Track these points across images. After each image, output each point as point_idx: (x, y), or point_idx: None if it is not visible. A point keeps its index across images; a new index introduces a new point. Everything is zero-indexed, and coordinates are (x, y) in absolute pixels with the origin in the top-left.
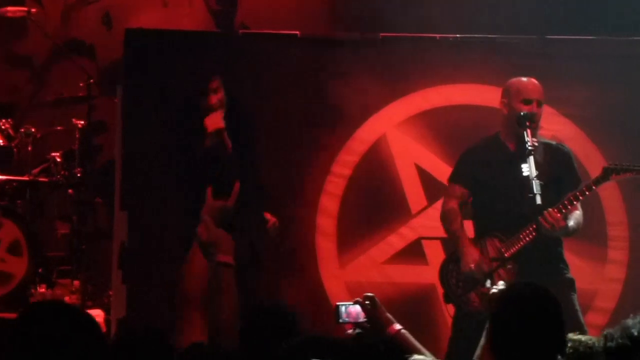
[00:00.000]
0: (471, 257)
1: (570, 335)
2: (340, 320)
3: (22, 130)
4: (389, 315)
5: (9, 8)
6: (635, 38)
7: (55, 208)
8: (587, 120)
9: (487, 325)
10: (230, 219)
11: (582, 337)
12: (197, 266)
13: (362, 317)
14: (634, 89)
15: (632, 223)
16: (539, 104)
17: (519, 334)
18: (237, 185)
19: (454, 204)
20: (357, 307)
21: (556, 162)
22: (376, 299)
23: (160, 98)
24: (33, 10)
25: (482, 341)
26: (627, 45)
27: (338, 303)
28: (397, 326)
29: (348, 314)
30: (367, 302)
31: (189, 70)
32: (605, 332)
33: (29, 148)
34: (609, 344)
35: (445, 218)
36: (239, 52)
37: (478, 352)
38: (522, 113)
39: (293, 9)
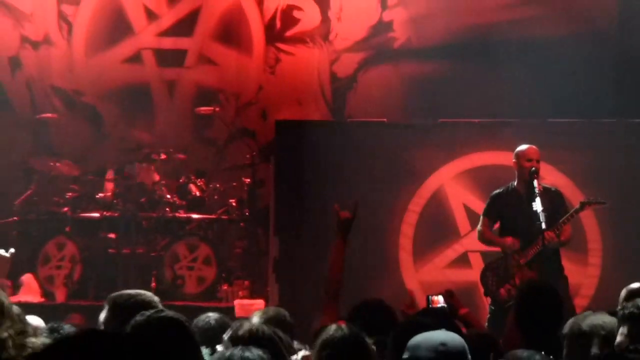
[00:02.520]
0: (509, 242)
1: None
2: (430, 306)
3: (211, 185)
4: (461, 302)
5: (202, 108)
6: (604, 120)
7: (233, 236)
8: (574, 173)
9: (513, 308)
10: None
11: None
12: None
13: (443, 303)
14: (602, 154)
15: (603, 238)
16: (538, 161)
17: (537, 312)
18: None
19: (484, 227)
20: (440, 297)
21: (554, 200)
22: (453, 291)
23: (299, 163)
24: (217, 109)
25: (510, 317)
26: (599, 126)
27: (428, 295)
28: (466, 309)
29: (435, 301)
30: (447, 293)
31: (317, 145)
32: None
33: (215, 197)
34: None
35: (480, 233)
36: (347, 134)
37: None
38: (532, 169)
39: (381, 100)
